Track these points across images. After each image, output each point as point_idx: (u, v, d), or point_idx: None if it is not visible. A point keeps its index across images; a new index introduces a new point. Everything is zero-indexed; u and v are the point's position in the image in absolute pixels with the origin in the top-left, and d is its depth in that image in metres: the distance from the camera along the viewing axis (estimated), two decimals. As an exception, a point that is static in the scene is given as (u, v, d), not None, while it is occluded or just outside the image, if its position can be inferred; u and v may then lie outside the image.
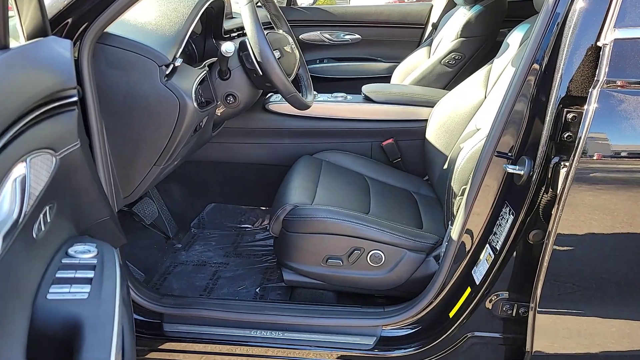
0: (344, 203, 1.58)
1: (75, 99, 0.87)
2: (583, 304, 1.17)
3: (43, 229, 0.73)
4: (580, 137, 1.02)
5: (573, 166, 1.04)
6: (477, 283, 1.26)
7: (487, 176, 1.23)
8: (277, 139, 2.02)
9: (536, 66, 1.14)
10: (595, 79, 1.02)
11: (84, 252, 0.75)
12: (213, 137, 1.76)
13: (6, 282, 0.57)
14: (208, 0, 1.51)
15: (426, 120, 1.91)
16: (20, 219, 0.62)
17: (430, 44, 2.71)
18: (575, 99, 1.06)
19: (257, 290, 1.69)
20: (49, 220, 0.76)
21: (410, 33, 2.98)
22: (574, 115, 1.06)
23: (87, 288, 0.64)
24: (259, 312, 1.42)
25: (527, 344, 1.22)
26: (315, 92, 2.01)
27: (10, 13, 0.96)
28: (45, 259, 0.70)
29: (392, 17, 2.95)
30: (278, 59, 1.51)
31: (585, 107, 1.02)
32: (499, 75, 1.66)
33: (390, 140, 1.98)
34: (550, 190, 1.11)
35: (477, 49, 2.34)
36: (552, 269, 1.14)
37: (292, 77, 1.65)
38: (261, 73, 1.46)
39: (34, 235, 0.69)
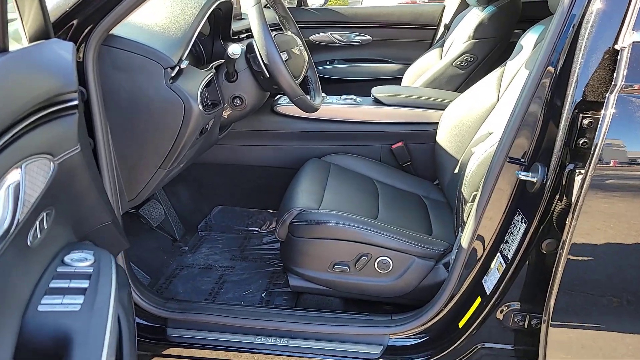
0: (351, 208, 1.55)
1: (75, 102, 0.86)
2: (598, 317, 1.13)
3: (39, 236, 0.71)
4: (596, 144, 0.98)
5: (589, 174, 1.00)
6: (488, 293, 1.23)
7: (499, 182, 1.19)
8: (285, 141, 2.00)
9: (551, 69, 1.10)
10: (613, 83, 0.98)
11: (81, 260, 0.73)
12: (220, 140, 1.74)
13: (-3, 292, 0.55)
14: (215, 2, 1.49)
15: (437, 124, 1.87)
16: (13, 228, 0.60)
17: (442, 46, 2.67)
18: (591, 104, 1.02)
19: (263, 295, 1.67)
20: (45, 227, 0.74)
21: (421, 34, 2.94)
22: (589, 121, 1.02)
23: (80, 299, 0.62)
24: (263, 318, 1.40)
25: (539, 357, 1.18)
26: (324, 94, 1.99)
27: (14, 15, 0.95)
28: (40, 267, 0.69)
29: (403, 18, 2.91)
30: (285, 61, 1.48)
31: (602, 112, 0.98)
32: (512, 78, 1.62)
33: (400, 144, 1.95)
34: (565, 198, 1.07)
35: (490, 51, 2.29)
36: (566, 280, 1.10)
37: (300, 79, 1.63)
38: (268, 75, 1.44)
39: (29, 243, 0.68)
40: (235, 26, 1.83)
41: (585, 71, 1.02)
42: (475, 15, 2.38)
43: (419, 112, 1.94)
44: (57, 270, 0.69)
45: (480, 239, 1.25)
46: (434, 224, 1.65)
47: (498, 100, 1.65)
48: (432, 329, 1.34)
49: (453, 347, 1.29)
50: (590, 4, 1.02)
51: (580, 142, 1.03)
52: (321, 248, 1.46)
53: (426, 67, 2.56)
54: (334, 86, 2.87)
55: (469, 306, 1.28)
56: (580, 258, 1.09)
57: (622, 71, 0.97)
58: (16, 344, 0.54)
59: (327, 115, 1.95)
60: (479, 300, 1.26)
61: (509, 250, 1.18)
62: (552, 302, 1.12)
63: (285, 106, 1.94)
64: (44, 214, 0.75)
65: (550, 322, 1.13)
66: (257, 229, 2.06)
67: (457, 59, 2.30)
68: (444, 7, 2.93)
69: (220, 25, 1.70)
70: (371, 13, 2.95)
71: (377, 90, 1.99)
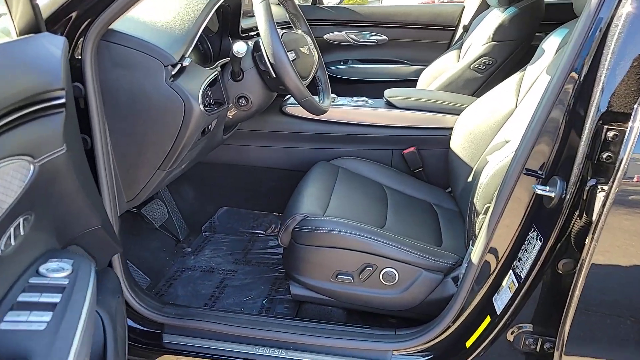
0: (358, 215, 1.49)
1: (62, 101, 0.81)
2: (618, 344, 1.04)
3: (13, 243, 0.67)
4: (621, 159, 0.91)
5: (612, 190, 0.92)
6: (498, 312, 1.15)
7: (514, 195, 1.12)
8: (293, 143, 1.94)
9: (574, 75, 1.02)
10: (642, 93, 0.90)
11: (57, 270, 0.68)
12: (226, 140, 1.69)
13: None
14: (222, -3, 1.44)
15: (451, 129, 1.80)
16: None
17: (460, 47, 2.58)
18: (617, 115, 0.94)
19: (264, 302, 1.61)
20: (22, 233, 0.69)
21: (439, 35, 2.85)
22: (615, 134, 0.94)
23: (47, 316, 0.58)
24: (262, 327, 1.35)
25: (551, 384, 1.10)
26: (334, 95, 1.93)
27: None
28: (12, 278, 0.64)
29: (421, 18, 2.83)
30: (293, 60, 1.42)
31: (629, 124, 0.90)
32: (532, 84, 1.54)
33: (412, 149, 1.88)
34: (585, 215, 0.99)
35: (510, 54, 2.20)
36: (584, 303, 1.02)
37: (309, 79, 1.57)
38: (274, 75, 1.38)
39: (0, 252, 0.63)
40: (246, 23, 1.77)
41: (612, 79, 0.94)
42: (496, 17, 2.29)
43: (433, 116, 1.86)
44: (30, 281, 0.64)
45: (492, 254, 1.18)
46: (445, 234, 1.58)
47: (516, 106, 1.58)
48: (438, 347, 1.27)
49: (459, 367, 1.23)
50: (619, 6, 0.94)
51: (604, 156, 0.96)
52: (324, 257, 1.40)
53: (443, 69, 2.48)
54: (347, 87, 2.81)
55: (478, 325, 1.21)
56: (600, 280, 1.01)
57: (653, 80, 0.89)
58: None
59: (337, 117, 1.89)
60: (488, 319, 1.19)
61: (522, 269, 1.11)
62: (567, 326, 1.05)
63: (294, 107, 1.88)
64: (21, 220, 0.70)
65: (564, 347, 1.05)
66: (262, 232, 2.01)
67: (475, 61, 2.22)
68: (464, 7, 2.84)
69: (228, 22, 1.65)
70: (388, 12, 2.87)
71: (389, 93, 1.92)
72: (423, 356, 1.27)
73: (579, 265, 1.01)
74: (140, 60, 1.18)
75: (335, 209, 1.51)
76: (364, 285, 1.40)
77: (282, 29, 1.59)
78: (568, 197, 1.00)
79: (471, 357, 1.20)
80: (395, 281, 1.38)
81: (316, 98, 1.72)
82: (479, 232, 1.24)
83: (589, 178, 0.98)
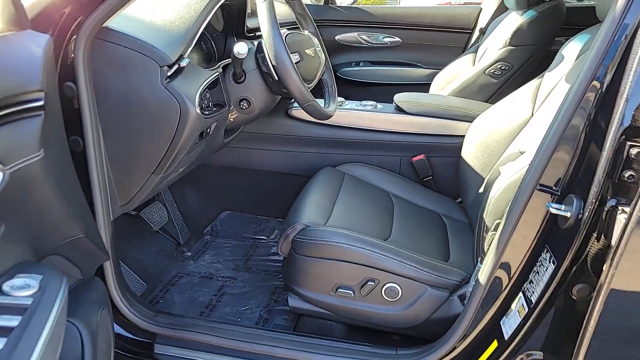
0: (361, 225, 1.42)
1: (40, 103, 0.76)
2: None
3: (-24, 258, 0.61)
4: (646, 179, 0.83)
5: (635, 212, 0.84)
6: (506, 337, 1.08)
7: (526, 212, 1.05)
8: (298, 147, 1.88)
9: (596, 84, 0.94)
10: (671, 108, 0.82)
11: (22, 287, 0.63)
12: (228, 143, 1.63)
13: None
14: (225, -4, 1.38)
15: (463, 137, 1.72)
16: None
17: (476, 51, 2.50)
18: (642, 131, 0.86)
19: (262, 312, 1.55)
20: (-13, 246, 0.64)
21: (455, 38, 2.77)
22: (638, 151, 0.86)
23: (0, 343, 0.52)
24: (258, 341, 1.29)
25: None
26: (342, 99, 1.86)
27: None
28: (-29, 297, 0.59)
29: (436, 20, 2.75)
30: (296, 63, 1.36)
31: (656, 142, 0.82)
32: (550, 92, 1.46)
33: (421, 156, 1.80)
34: (603, 238, 0.91)
35: (527, 60, 2.11)
36: (600, 331, 0.94)
37: (314, 83, 1.50)
38: (277, 78, 1.32)
39: (-42, 268, 0.58)
40: (252, 23, 1.71)
41: (638, 90, 0.86)
42: (514, 20, 2.21)
43: (444, 123, 1.79)
44: (-11, 301, 0.59)
45: (501, 274, 1.10)
46: (453, 247, 1.50)
47: (532, 115, 1.49)
48: (441, 371, 1.20)
49: (463, 394, 1.15)
50: (648, 12, 0.86)
51: (626, 175, 0.88)
52: (324, 269, 1.33)
53: (457, 73, 2.39)
54: (358, 89, 2.74)
55: (484, 349, 1.14)
56: (619, 307, 0.93)
57: (683, 94, 0.81)
58: None
59: (344, 122, 1.82)
60: (495, 344, 1.11)
61: (533, 292, 1.03)
62: (581, 356, 0.97)
63: (301, 110, 1.81)
64: (-12, 232, 0.65)
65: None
66: (264, 237, 1.95)
67: (490, 66, 2.13)
68: (481, 9, 2.75)
69: (233, 21, 1.60)
70: (402, 14, 2.79)
71: (399, 98, 1.84)
72: (425, 379, 1.20)
73: (595, 291, 0.93)
74: (135, 60, 1.13)
75: (338, 218, 1.44)
76: (365, 300, 1.34)
77: (288, 29, 1.53)
78: (585, 217, 0.92)
79: (476, 384, 1.13)
80: (398, 297, 1.31)
81: (322, 102, 1.66)
82: (488, 249, 1.16)
83: (608, 198, 0.90)
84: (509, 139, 1.53)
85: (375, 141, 1.83)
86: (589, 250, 0.94)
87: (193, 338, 1.32)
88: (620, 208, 0.88)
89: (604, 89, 0.93)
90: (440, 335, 1.22)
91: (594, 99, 0.94)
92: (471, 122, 1.72)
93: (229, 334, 1.32)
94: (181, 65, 1.19)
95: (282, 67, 1.28)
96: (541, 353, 1.05)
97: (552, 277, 0.99)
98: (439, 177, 1.83)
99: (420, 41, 2.78)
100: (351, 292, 1.33)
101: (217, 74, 1.35)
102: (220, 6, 1.53)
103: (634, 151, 0.86)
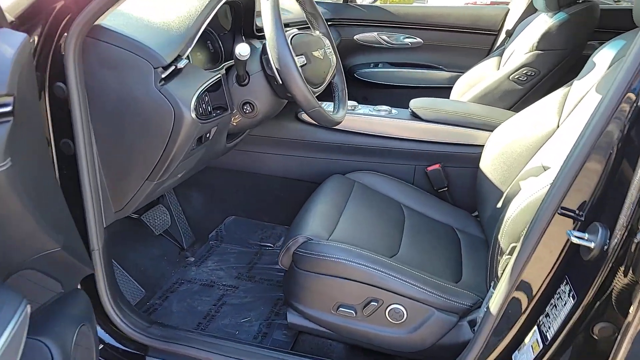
0: (367, 240, 1.34)
1: (7, 109, 0.70)
2: None
3: None
4: (683, 211, 0.72)
5: (669, 247, 0.74)
6: (518, 374, 0.98)
7: (545, 238, 0.95)
8: (308, 152, 1.80)
9: (631, 96, 0.84)
10: None
11: (-30, 314, 0.57)
12: (232, 148, 1.57)
13: None
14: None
15: (482, 147, 1.61)
16: None
17: (501, 55, 2.37)
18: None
19: (262, 325, 1.49)
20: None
21: (479, 40, 2.64)
22: (677, 176, 0.75)
23: None
24: (253, 359, 1.22)
25: None
26: (354, 103, 1.78)
27: None
28: None
29: (460, 21, 2.63)
30: (302, 66, 1.28)
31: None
32: (578, 102, 1.34)
33: (436, 166, 1.70)
34: (631, 273, 0.81)
35: (555, 66, 1.98)
36: (624, 377, 0.84)
37: (322, 86, 1.42)
38: (280, 81, 1.25)
39: None
40: (261, 22, 1.64)
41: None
42: (543, 23, 2.08)
43: (462, 131, 1.68)
44: None
45: (515, 304, 1.00)
46: (466, 266, 1.41)
47: (558, 126, 1.38)
48: (446, 404, 1.11)
49: None
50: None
51: (661, 203, 0.77)
52: (325, 285, 1.26)
53: (480, 77, 2.28)
54: (376, 91, 2.65)
55: (494, 384, 1.04)
56: (646, 350, 0.82)
57: None
58: None
59: (356, 127, 1.74)
60: (506, 380, 1.02)
61: (549, 327, 0.93)
62: (601, 403, 0.87)
63: (311, 114, 1.74)
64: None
65: None
66: (270, 245, 1.88)
67: (515, 72, 2.01)
68: (508, 10, 2.62)
69: (241, 20, 1.53)
70: (424, 13, 2.68)
71: (415, 103, 1.74)
72: (427, 413, 1.11)
73: (621, 332, 0.82)
74: (128, 61, 1.07)
75: (343, 231, 1.36)
76: (367, 321, 1.25)
77: (299, 29, 1.46)
78: (611, 249, 0.82)
79: (483, 422, 1.03)
80: (403, 320, 1.23)
81: (330, 105, 1.58)
82: (502, 274, 1.06)
83: (639, 228, 0.80)
84: (532, 152, 1.42)
85: (388, 148, 1.74)
86: (614, 286, 0.84)
87: (186, 353, 1.26)
88: (652, 241, 0.77)
89: (639, 103, 0.83)
90: (447, 363, 1.14)
91: (628, 113, 0.84)
92: (491, 131, 1.61)
93: (223, 350, 1.26)
94: (178, 67, 1.13)
95: (286, 70, 1.20)
96: (556, 395, 0.95)
97: (571, 312, 0.89)
98: (455, 189, 1.73)
99: (442, 42, 2.66)
100: (353, 311, 1.25)
101: (218, 75, 1.28)
102: (228, 4, 1.47)
103: (671, 177, 0.76)
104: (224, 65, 1.36)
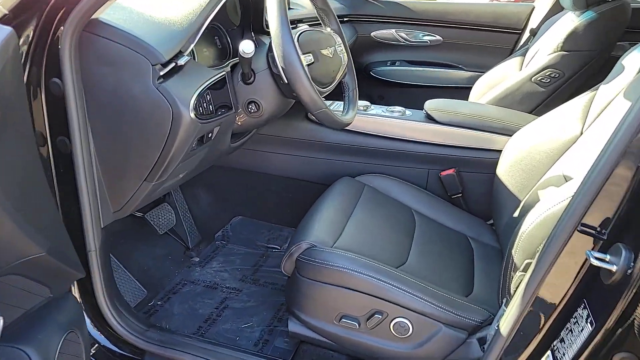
0: (374, 247, 1.28)
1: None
2: None
3: None
4: None
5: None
6: (528, 402, 0.91)
7: (563, 256, 0.87)
8: (318, 153, 1.74)
9: None
10: None
11: None
12: (238, 147, 1.52)
13: None
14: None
15: (499, 152, 1.53)
16: None
17: (524, 54, 2.27)
18: None
19: (263, 332, 1.44)
20: None
21: (502, 39, 2.54)
22: None
23: None
24: (251, 368, 1.18)
25: None
26: (367, 103, 1.71)
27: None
28: None
29: (482, 18, 2.53)
30: (309, 65, 1.22)
31: None
32: (604, 108, 1.26)
33: (451, 171, 1.63)
34: (658, 301, 0.73)
35: (581, 68, 1.88)
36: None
37: (332, 86, 1.36)
38: (286, 80, 1.19)
39: None
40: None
41: None
42: (569, 22, 1.97)
43: (479, 135, 1.60)
44: None
45: (528, 326, 0.94)
46: (478, 278, 1.34)
47: (581, 133, 1.30)
48: None
49: None
50: None
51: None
52: (328, 295, 1.20)
53: (501, 78, 2.18)
54: (392, 90, 2.58)
55: (502, 410, 0.97)
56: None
57: None
58: None
59: (368, 128, 1.67)
60: (516, 406, 0.95)
61: (564, 354, 0.86)
62: None
63: (322, 113, 1.68)
64: None
65: None
66: (277, 247, 1.84)
67: (537, 73, 1.91)
68: (533, 8, 2.51)
69: (250, 15, 1.47)
70: (445, 10, 2.59)
71: (430, 105, 1.67)
72: None
73: (643, 364, 0.75)
74: (126, 57, 1.03)
75: (349, 237, 1.30)
76: (370, 334, 1.20)
77: (310, 25, 1.40)
78: (635, 274, 0.74)
79: None
80: (408, 334, 1.16)
81: (341, 105, 1.52)
82: (515, 292, 0.99)
83: (668, 253, 0.72)
84: (552, 159, 1.34)
85: (401, 151, 1.67)
86: (637, 314, 0.76)
87: (183, 359, 1.22)
88: (682, 268, 0.70)
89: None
90: (454, 383, 1.07)
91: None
92: (509, 135, 1.53)
93: (221, 357, 1.23)
94: (179, 64, 1.08)
95: (291, 69, 1.14)
96: None
97: (588, 339, 0.81)
98: (470, 195, 1.65)
99: (463, 41, 2.57)
100: (356, 323, 1.19)
101: (223, 73, 1.23)
102: (236, -2, 1.42)
103: None
104: (229, 63, 1.31)
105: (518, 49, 2.46)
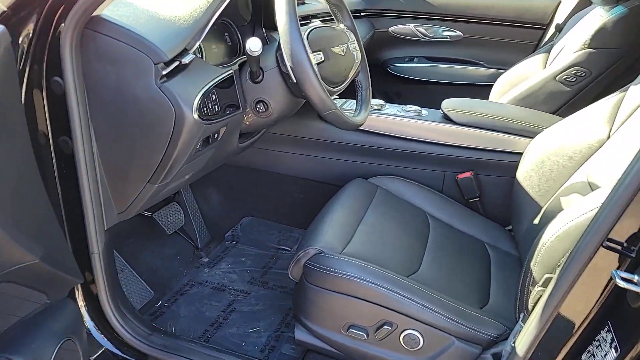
0: (385, 254, 1.23)
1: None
2: None
3: None
4: None
5: None
6: None
7: (586, 274, 0.81)
8: (330, 153, 1.69)
9: None
10: None
11: None
12: (248, 147, 1.48)
13: None
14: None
15: (520, 154, 1.46)
16: None
17: (549, 51, 2.17)
18: None
19: (270, 337, 1.40)
20: None
21: (526, 34, 2.44)
22: None
23: None
24: (255, 377, 1.15)
25: None
26: (382, 102, 1.65)
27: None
28: None
29: (505, 13, 2.43)
30: (319, 63, 1.17)
31: None
32: (634, 111, 1.18)
33: (468, 174, 1.56)
34: (691, 329, 0.67)
35: (609, 67, 1.78)
36: None
37: (343, 85, 1.31)
38: (294, 79, 1.14)
39: None
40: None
41: None
42: (597, 17, 1.87)
43: (499, 137, 1.53)
44: None
45: (546, 345, 0.88)
46: (495, 287, 1.27)
47: (608, 137, 1.22)
48: None
49: None
50: None
51: None
52: (336, 303, 1.16)
53: (524, 76, 2.10)
54: (410, 87, 2.50)
55: None
56: None
57: None
58: None
59: (382, 129, 1.61)
60: None
61: (586, 380, 0.80)
62: None
63: (335, 112, 1.63)
64: None
65: None
66: (288, 248, 1.80)
67: (563, 71, 1.82)
68: (560, 2, 2.40)
69: (261, 11, 1.43)
70: (466, 4, 2.50)
71: (447, 104, 1.60)
72: None
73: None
74: (128, 56, 0.99)
75: (359, 243, 1.25)
76: (379, 345, 1.15)
77: (322, 21, 1.35)
78: (667, 298, 0.68)
79: None
80: (419, 347, 1.11)
81: (353, 104, 1.46)
82: (533, 308, 0.93)
83: None
84: (576, 164, 1.26)
85: (416, 152, 1.61)
86: (668, 341, 0.70)
87: (186, 365, 1.20)
88: None
89: None
90: (466, 400, 1.02)
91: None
92: (531, 137, 1.45)
93: (224, 364, 1.19)
94: (183, 62, 1.04)
95: (300, 68, 1.09)
96: None
97: (612, 366, 0.75)
98: (488, 199, 1.58)
99: (485, 36, 2.48)
100: (364, 333, 1.15)
101: (230, 72, 1.19)
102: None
103: None
104: (237, 61, 1.27)
105: (542, 46, 2.36)
